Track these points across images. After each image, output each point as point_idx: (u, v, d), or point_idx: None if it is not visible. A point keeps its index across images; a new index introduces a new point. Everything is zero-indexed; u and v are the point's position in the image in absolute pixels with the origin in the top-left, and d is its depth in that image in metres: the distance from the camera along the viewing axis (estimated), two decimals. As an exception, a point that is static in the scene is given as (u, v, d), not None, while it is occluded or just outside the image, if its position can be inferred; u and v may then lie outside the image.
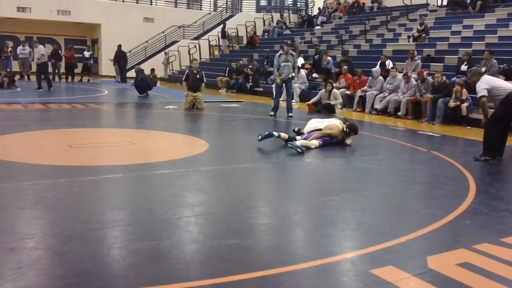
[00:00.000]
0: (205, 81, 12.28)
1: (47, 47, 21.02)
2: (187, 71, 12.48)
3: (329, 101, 11.79)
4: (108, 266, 2.85)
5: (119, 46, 20.75)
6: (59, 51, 20.86)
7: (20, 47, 19.49)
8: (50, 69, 17.00)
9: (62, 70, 20.65)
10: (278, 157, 6.59)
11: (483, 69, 10.62)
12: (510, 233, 3.58)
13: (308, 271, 2.84)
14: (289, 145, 6.74)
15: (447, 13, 17.86)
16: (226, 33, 24.12)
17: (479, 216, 4.12)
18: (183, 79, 12.38)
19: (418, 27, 15.90)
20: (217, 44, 24.66)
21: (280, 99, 11.09)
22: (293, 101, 12.32)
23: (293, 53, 10.96)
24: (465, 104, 9.95)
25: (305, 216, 4.01)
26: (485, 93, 6.40)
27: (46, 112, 10.26)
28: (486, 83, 6.56)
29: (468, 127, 9.88)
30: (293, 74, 10.96)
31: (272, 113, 10.67)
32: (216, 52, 24.68)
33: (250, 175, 5.45)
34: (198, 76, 11.94)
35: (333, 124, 7.24)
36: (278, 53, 10.75)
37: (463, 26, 15.59)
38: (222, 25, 24.68)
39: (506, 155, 7.50)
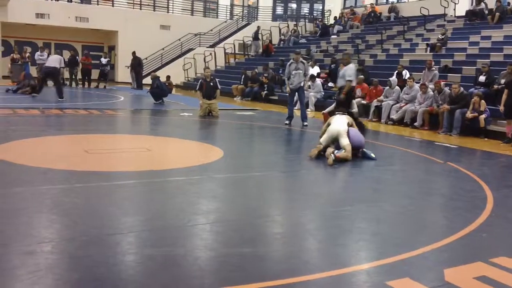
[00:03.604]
0: (219, 87, 12.30)
1: (64, 53, 21.48)
2: (201, 80, 12.53)
3: (344, 110, 11.73)
4: (123, 271, 2.86)
5: (134, 53, 20.96)
6: (76, 57, 21.15)
7: (38, 53, 19.81)
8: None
9: (79, 76, 20.94)
10: (293, 165, 6.58)
11: (502, 80, 10.50)
12: (529, 247, 3.52)
13: (323, 281, 2.82)
14: (365, 154, 6.85)
15: (465, 24, 17.73)
16: (260, 35, 24.29)
17: (496, 229, 4.06)
18: (197, 88, 12.38)
19: (439, 36, 15.79)
20: (233, 52, 24.78)
21: (295, 108, 11.06)
22: (308, 110, 12.30)
23: (304, 60, 10.92)
24: (483, 116, 9.83)
25: (320, 226, 3.99)
26: (353, 78, 9.36)
27: (63, 118, 10.39)
28: (353, 70, 9.36)
29: (486, 139, 9.76)
30: (305, 82, 10.85)
31: (287, 122, 10.66)
32: (232, 60, 24.80)
33: (265, 183, 5.45)
34: (211, 84, 11.97)
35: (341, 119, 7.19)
36: (289, 62, 10.77)
37: (481, 37, 15.45)
38: (256, 27, 24.80)
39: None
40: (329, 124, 7.00)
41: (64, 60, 20.67)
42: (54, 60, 14.22)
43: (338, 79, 9.85)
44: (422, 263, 3.17)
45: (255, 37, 24.38)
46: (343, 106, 8.93)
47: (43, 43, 22.56)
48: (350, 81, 9.34)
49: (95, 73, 21.07)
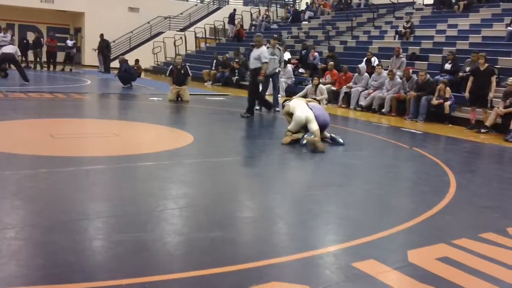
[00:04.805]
0: (190, 74, 12.19)
1: (28, 35, 20.78)
2: (171, 66, 12.37)
3: (315, 96, 11.82)
4: (90, 257, 2.83)
5: (101, 35, 20.47)
6: (41, 39, 20.51)
7: (1, 34, 19.10)
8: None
9: (44, 59, 20.33)
10: (263, 151, 6.60)
11: (467, 68, 10.74)
12: (488, 229, 3.65)
13: (291, 263, 2.86)
14: (334, 140, 6.98)
15: (433, 12, 18.03)
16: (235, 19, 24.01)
17: (459, 212, 4.20)
18: (167, 74, 12.29)
19: (405, 24, 16.02)
20: (204, 36, 24.50)
21: (266, 93, 11.05)
22: (279, 95, 12.31)
23: (280, 47, 10.92)
24: (448, 103, 10.07)
25: (289, 210, 4.03)
26: (268, 60, 9.68)
27: (27, 101, 10.09)
28: (267, 52, 9.68)
29: (450, 125, 10.02)
30: (280, 69, 10.88)
31: (257, 107, 10.64)
32: (202, 45, 24.52)
33: (235, 169, 5.46)
34: (182, 71, 11.85)
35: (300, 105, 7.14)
36: (265, 47, 10.71)
37: (448, 25, 15.74)
38: (232, 10, 24.45)
39: (486, 154, 7.65)
40: (290, 113, 7.03)
41: (29, 43, 20.15)
42: (11, 48, 14.19)
43: (251, 61, 9.80)
44: (387, 245, 3.25)
45: (230, 20, 24.09)
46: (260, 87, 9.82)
47: (6, 24, 21.70)
48: (267, 62, 9.59)
49: (60, 56, 20.49)
